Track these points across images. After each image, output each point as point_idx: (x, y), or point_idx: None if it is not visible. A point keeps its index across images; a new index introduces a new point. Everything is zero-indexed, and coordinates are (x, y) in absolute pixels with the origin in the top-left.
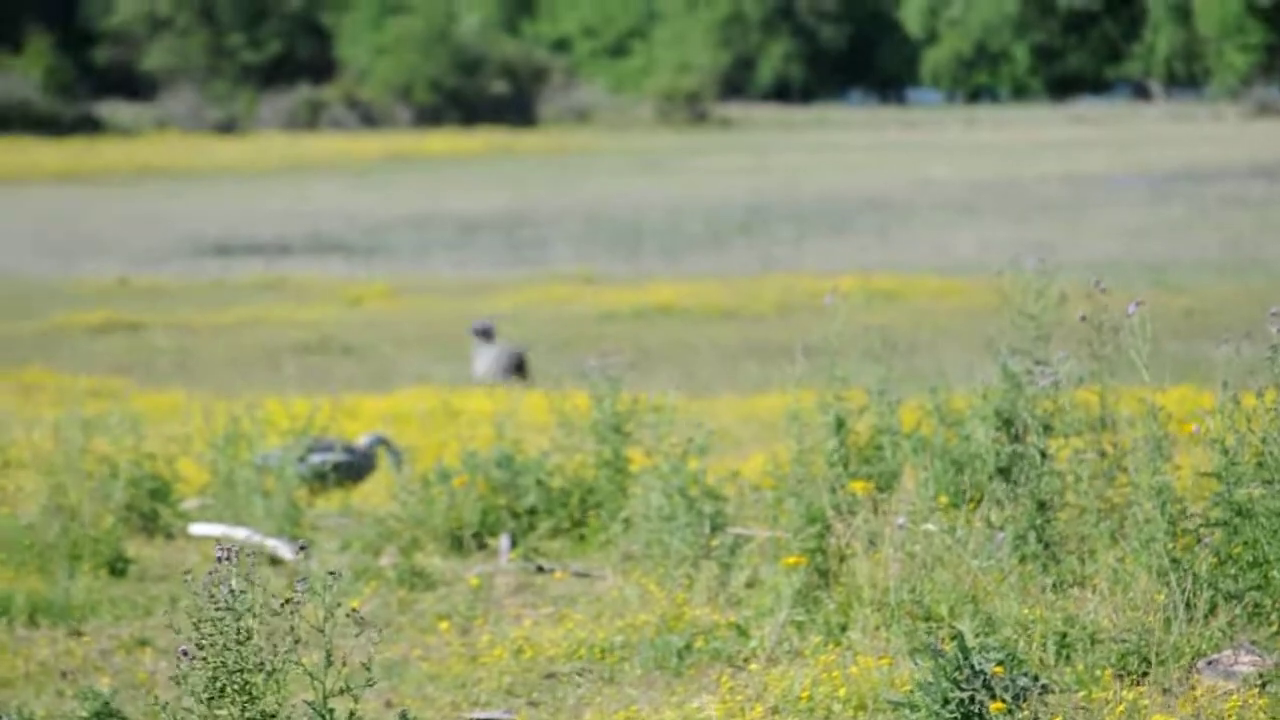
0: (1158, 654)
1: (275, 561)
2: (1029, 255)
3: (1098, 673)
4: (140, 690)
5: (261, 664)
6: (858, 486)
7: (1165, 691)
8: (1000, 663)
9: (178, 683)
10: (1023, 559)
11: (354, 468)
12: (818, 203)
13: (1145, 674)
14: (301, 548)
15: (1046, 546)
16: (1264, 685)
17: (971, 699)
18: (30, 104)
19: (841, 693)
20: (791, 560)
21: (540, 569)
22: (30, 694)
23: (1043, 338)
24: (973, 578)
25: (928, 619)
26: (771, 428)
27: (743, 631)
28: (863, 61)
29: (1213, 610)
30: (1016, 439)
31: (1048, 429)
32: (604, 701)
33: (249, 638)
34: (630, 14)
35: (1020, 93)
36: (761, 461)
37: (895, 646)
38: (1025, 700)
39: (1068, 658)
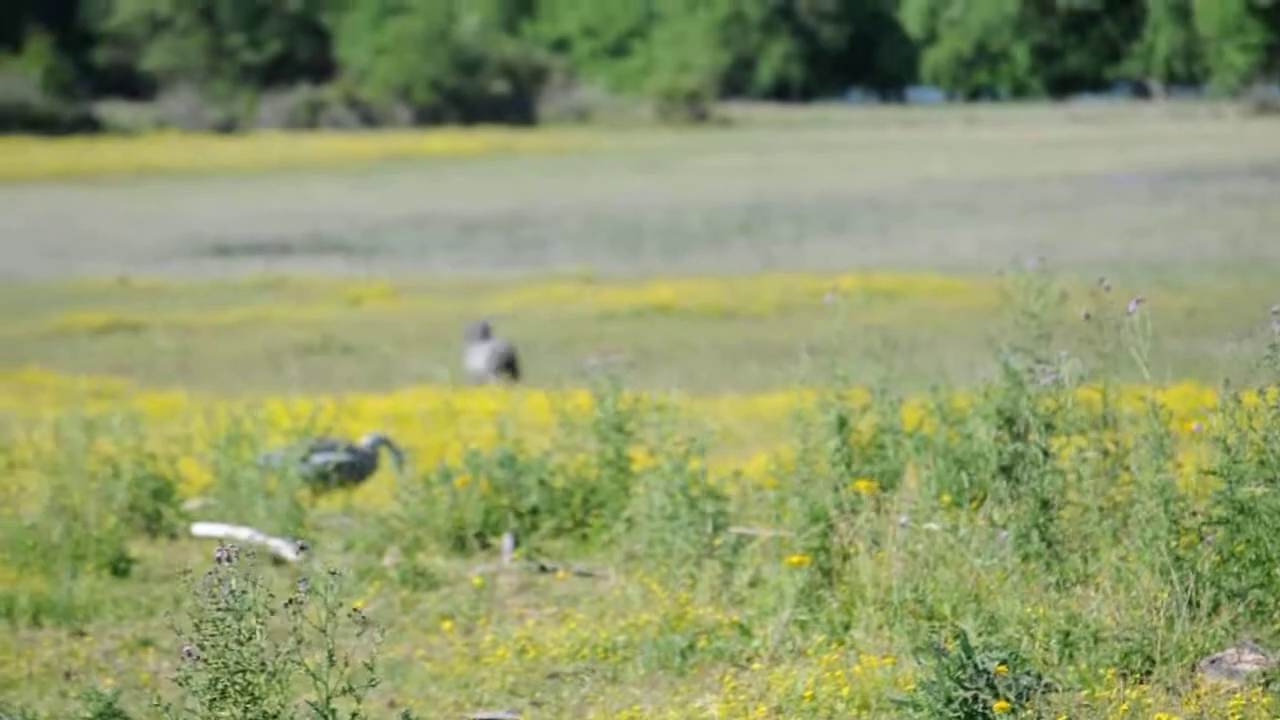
0: (1161, 652)
1: (278, 562)
2: (1029, 254)
3: (1101, 671)
4: (143, 691)
5: (263, 664)
6: (860, 485)
7: (1168, 690)
8: (1003, 661)
9: (180, 683)
10: (1025, 557)
11: (356, 468)
12: (818, 202)
13: (1148, 672)
14: (302, 547)
15: (1049, 545)
16: (1267, 683)
17: (974, 698)
18: (30, 104)
19: (845, 692)
20: (794, 559)
21: (543, 568)
22: (34, 694)
23: (1044, 336)
24: (975, 576)
25: (931, 618)
26: (773, 427)
27: (746, 631)
28: (863, 61)
29: (1216, 608)
30: (1018, 437)
31: (1050, 427)
32: (607, 701)
33: (250, 638)
34: (630, 14)
35: (1020, 92)
36: (764, 461)
37: (898, 645)
38: (1028, 699)
39: (1071, 656)
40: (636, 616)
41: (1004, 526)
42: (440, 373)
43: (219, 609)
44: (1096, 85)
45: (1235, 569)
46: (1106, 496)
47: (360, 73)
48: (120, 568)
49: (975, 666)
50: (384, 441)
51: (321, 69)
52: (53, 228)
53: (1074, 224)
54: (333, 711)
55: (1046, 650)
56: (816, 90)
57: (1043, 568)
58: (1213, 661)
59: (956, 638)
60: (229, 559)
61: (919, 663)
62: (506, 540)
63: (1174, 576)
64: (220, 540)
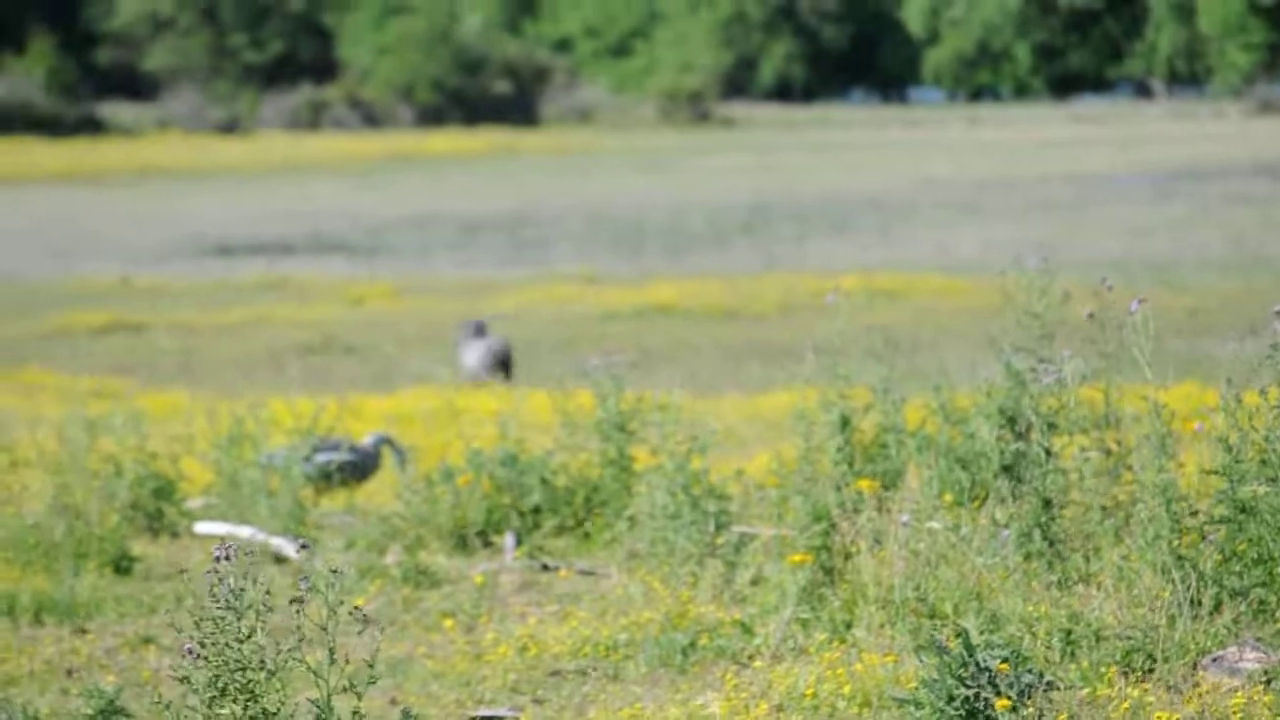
0: (1163, 651)
1: (280, 560)
2: (1031, 254)
3: (1103, 670)
4: (145, 688)
5: (264, 662)
6: (863, 485)
7: (1170, 688)
8: (1005, 660)
9: (181, 681)
10: (1027, 556)
11: (359, 467)
12: (820, 202)
13: (1150, 671)
14: (303, 546)
15: (1051, 544)
16: (1269, 682)
17: (976, 696)
18: (33, 104)
19: (846, 690)
20: (796, 558)
21: (545, 567)
22: (35, 692)
23: (1046, 336)
24: (977, 575)
25: (932, 616)
26: (775, 427)
27: (747, 629)
28: (864, 61)
29: (1217, 607)
30: (1021, 437)
31: (1052, 427)
32: (609, 699)
33: (251, 635)
34: (632, 14)
35: (1022, 92)
36: (766, 460)
37: (900, 644)
38: (1030, 697)
39: (1073, 655)
40: (638, 615)
41: (1006, 525)
42: (441, 372)
43: (219, 607)
44: (1098, 85)
45: (1237, 568)
46: (1108, 496)
47: (362, 73)
48: (122, 566)
49: (977, 665)
50: (386, 441)
51: (324, 69)
52: (55, 228)
53: (1076, 224)
54: (333, 709)
55: (1048, 648)
56: (818, 90)
57: (1045, 566)
58: (1214, 660)
59: (958, 636)
60: (227, 557)
61: (921, 661)
62: (509, 539)
63: (1175, 575)
64: (221, 539)
